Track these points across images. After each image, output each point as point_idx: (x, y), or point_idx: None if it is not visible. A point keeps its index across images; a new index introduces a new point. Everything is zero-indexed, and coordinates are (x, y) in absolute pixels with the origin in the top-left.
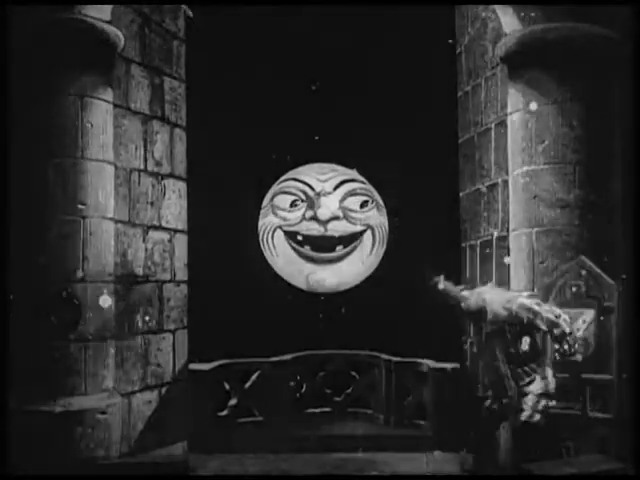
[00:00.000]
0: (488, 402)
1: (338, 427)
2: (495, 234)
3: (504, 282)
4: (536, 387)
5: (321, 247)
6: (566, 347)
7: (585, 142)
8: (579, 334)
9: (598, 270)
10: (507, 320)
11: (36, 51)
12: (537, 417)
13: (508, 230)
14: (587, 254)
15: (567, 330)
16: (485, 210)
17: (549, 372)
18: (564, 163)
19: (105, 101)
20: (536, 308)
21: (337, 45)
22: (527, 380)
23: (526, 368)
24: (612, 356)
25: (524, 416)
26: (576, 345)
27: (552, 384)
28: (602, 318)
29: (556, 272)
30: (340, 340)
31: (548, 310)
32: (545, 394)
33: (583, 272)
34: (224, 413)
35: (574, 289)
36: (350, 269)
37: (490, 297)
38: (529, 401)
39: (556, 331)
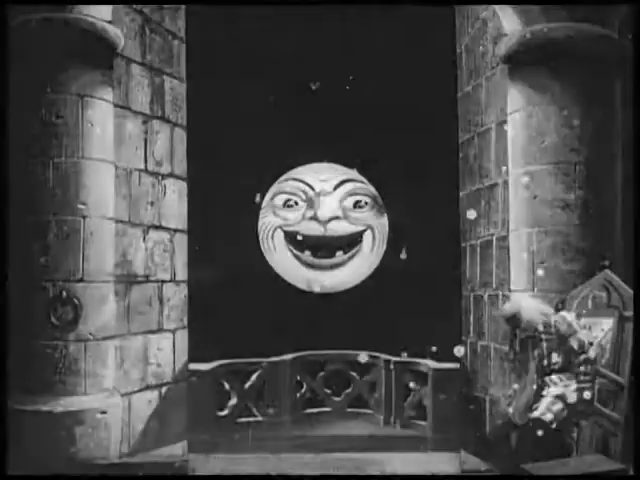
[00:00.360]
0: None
1: (338, 427)
2: (495, 234)
3: (505, 282)
4: (555, 390)
5: (321, 251)
6: (582, 369)
7: (585, 142)
8: (597, 341)
9: (621, 282)
10: (542, 330)
11: (36, 50)
12: (549, 417)
13: (508, 230)
14: (588, 254)
15: (592, 357)
16: (485, 210)
17: (573, 385)
18: (564, 163)
19: (105, 101)
20: (575, 325)
21: (338, 45)
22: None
23: (554, 378)
24: (627, 361)
25: (537, 412)
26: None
27: (572, 395)
28: (621, 326)
29: (580, 285)
30: (340, 340)
31: (585, 333)
32: (562, 398)
33: (606, 285)
34: (224, 413)
35: (596, 299)
36: (351, 269)
37: (527, 304)
38: (545, 402)
39: (582, 356)
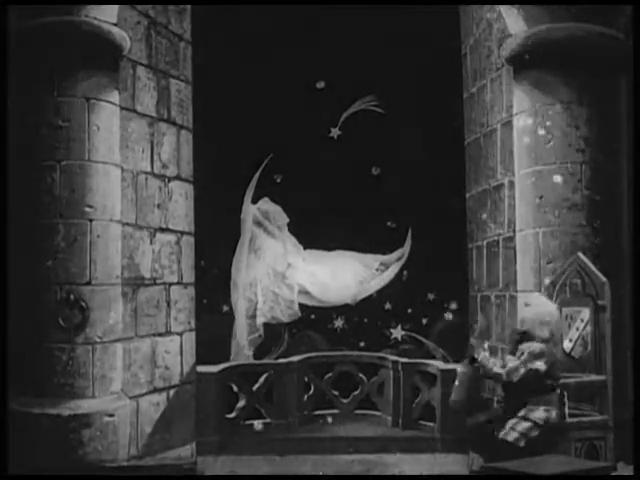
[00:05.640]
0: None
1: (346, 429)
2: (501, 235)
3: (511, 282)
4: (521, 412)
5: None
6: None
7: (591, 142)
8: (576, 335)
9: (592, 268)
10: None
11: (42, 53)
12: (514, 435)
13: (514, 231)
14: (593, 254)
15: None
16: (491, 211)
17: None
18: (570, 163)
19: (111, 103)
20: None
21: (342, 46)
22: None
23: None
24: (606, 356)
25: (502, 434)
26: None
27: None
28: (597, 317)
29: (559, 270)
30: (348, 342)
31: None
32: (526, 419)
33: (579, 270)
34: (232, 415)
35: (573, 287)
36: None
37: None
38: (511, 423)
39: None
